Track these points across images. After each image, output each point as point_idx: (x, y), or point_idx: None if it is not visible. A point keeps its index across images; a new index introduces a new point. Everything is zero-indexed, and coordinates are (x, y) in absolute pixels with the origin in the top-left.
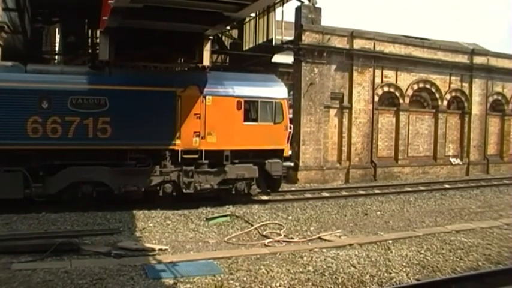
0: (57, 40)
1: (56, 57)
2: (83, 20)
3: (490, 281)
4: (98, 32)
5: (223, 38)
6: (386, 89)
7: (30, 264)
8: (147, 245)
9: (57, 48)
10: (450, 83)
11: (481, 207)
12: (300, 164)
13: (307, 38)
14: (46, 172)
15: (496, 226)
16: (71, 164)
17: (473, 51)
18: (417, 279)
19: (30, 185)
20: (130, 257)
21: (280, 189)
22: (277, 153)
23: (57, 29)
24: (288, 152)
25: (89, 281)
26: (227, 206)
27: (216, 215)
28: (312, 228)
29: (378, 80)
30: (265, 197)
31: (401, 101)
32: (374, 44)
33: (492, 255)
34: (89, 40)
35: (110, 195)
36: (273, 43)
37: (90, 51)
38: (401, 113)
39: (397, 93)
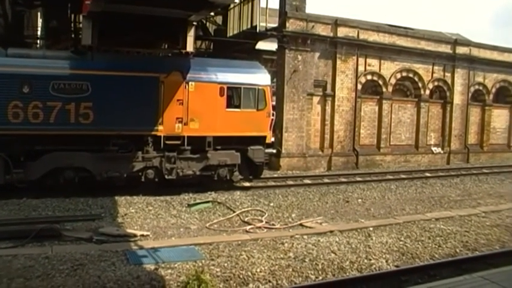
0: (39, 24)
1: (38, 41)
2: (65, 4)
3: (467, 267)
4: (81, 16)
5: (208, 24)
6: (369, 77)
7: (11, 250)
8: (129, 230)
9: (39, 33)
10: (433, 72)
11: (460, 196)
12: (283, 151)
13: (291, 25)
14: (27, 158)
15: (474, 214)
16: (52, 149)
17: (456, 41)
18: (396, 266)
19: (11, 170)
20: (111, 243)
21: (262, 176)
22: (260, 140)
23: (39, 13)
24: (270, 139)
25: (70, 267)
26: (209, 192)
27: (198, 201)
28: (293, 215)
29: (361, 68)
30: (247, 184)
31: (384, 89)
32: (358, 32)
33: (469, 242)
34: (72, 25)
35: (91, 181)
36: (257, 30)
37: (73, 36)
38: (384, 101)
39: (380, 82)
